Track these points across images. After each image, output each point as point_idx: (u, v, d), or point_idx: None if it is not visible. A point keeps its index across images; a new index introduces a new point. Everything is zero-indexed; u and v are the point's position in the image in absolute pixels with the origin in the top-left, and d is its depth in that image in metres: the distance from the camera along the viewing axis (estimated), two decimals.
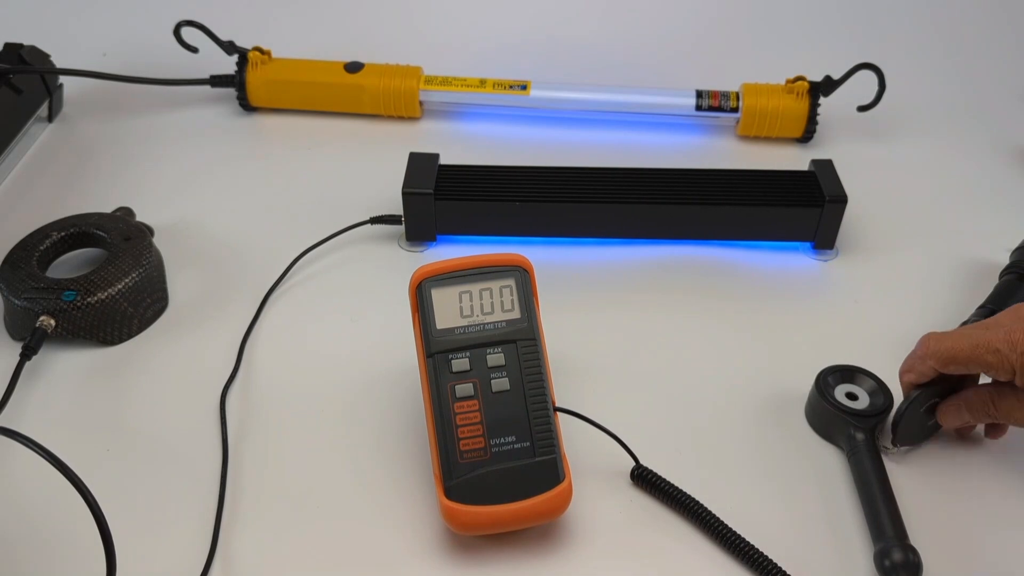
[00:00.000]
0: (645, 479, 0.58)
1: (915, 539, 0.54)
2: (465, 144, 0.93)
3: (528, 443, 0.54)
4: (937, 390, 0.59)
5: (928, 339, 0.58)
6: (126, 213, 0.78)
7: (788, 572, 0.53)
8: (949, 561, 0.55)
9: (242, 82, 0.94)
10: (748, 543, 0.54)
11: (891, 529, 0.54)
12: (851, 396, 0.61)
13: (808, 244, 0.79)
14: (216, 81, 0.95)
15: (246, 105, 0.96)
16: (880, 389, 0.61)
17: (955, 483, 0.60)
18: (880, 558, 0.53)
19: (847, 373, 0.63)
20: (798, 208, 0.77)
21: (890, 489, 0.56)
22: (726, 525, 0.55)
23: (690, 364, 0.68)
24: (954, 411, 0.58)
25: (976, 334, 0.55)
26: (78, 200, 0.83)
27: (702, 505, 0.56)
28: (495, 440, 0.53)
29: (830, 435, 0.62)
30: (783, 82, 0.93)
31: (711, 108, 0.93)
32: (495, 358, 0.55)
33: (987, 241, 0.80)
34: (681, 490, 0.57)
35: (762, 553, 0.54)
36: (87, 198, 0.83)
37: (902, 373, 0.60)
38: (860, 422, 0.60)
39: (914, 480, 0.60)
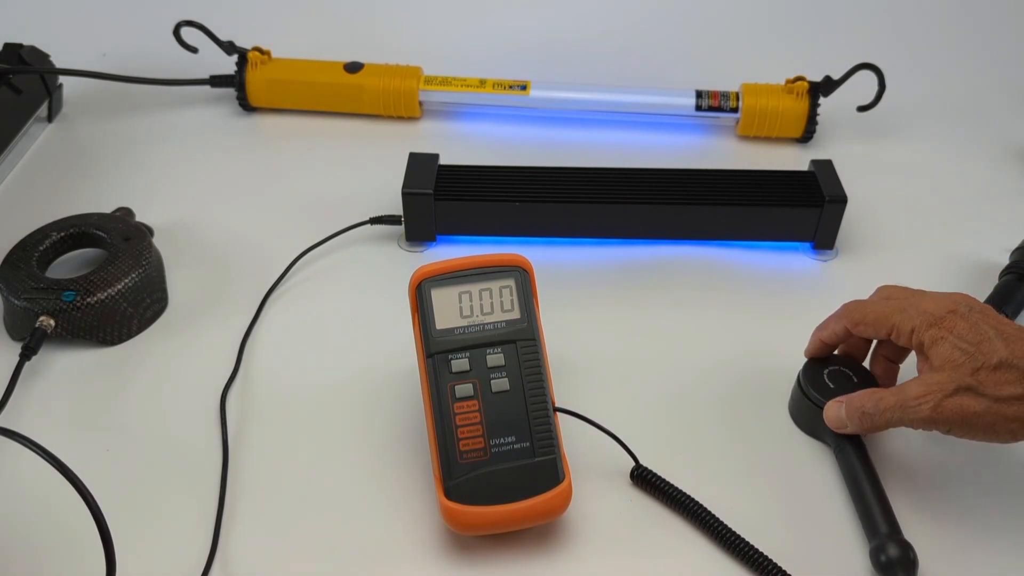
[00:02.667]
0: (645, 479, 0.58)
1: (908, 533, 0.54)
2: (465, 144, 0.93)
3: (528, 443, 0.54)
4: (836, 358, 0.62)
5: (849, 302, 0.61)
6: (126, 213, 0.78)
7: (787, 571, 0.53)
8: (943, 553, 0.55)
9: (242, 82, 0.94)
10: (748, 543, 0.54)
11: (884, 525, 0.54)
12: (835, 380, 0.61)
13: (808, 244, 0.79)
14: (216, 81, 0.95)
15: (246, 105, 0.96)
16: (866, 379, 0.61)
17: (944, 475, 0.60)
18: (876, 554, 0.53)
19: (832, 360, 0.62)
20: (798, 208, 0.77)
21: (880, 484, 0.56)
22: (725, 525, 0.55)
23: (690, 364, 0.68)
24: (834, 408, 0.58)
25: (888, 301, 0.58)
26: (78, 200, 0.83)
27: (701, 505, 0.56)
28: (495, 440, 0.53)
29: (815, 432, 0.62)
30: (783, 82, 0.93)
31: (711, 108, 0.93)
32: (495, 358, 0.55)
33: (987, 241, 0.80)
34: (681, 490, 0.57)
35: (762, 553, 0.54)
36: (87, 198, 0.83)
37: (816, 329, 0.62)
38: None
39: (903, 473, 0.60)
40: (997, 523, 0.57)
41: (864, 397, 0.56)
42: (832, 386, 0.61)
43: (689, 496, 0.57)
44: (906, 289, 0.60)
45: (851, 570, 0.54)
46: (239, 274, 0.75)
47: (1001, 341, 0.53)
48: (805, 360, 0.63)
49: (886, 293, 0.61)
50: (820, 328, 0.62)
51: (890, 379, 0.62)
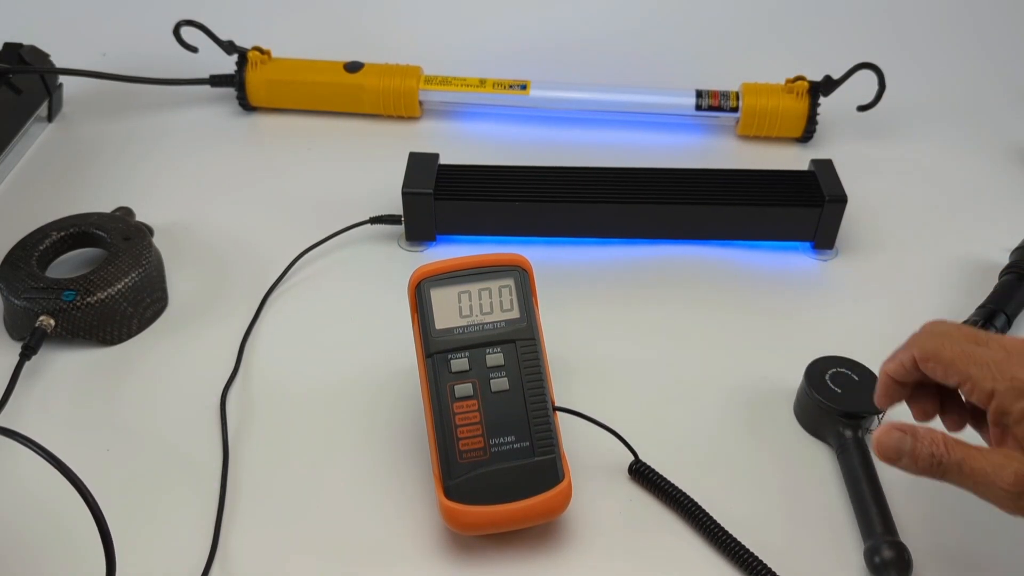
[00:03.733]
0: (642, 474, 0.58)
1: (905, 535, 0.54)
2: (465, 144, 0.93)
3: (527, 443, 0.54)
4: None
5: (924, 326, 0.51)
6: (126, 213, 0.78)
7: (776, 572, 0.53)
8: (938, 557, 0.55)
9: (242, 82, 0.94)
10: (737, 542, 0.54)
11: (880, 526, 0.54)
12: (840, 383, 0.61)
13: (808, 244, 0.79)
14: (216, 81, 0.95)
15: (246, 105, 0.96)
16: (871, 382, 0.61)
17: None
18: (870, 555, 0.53)
19: (838, 362, 0.62)
20: (798, 208, 0.77)
21: (879, 486, 0.56)
22: (717, 523, 0.55)
23: (690, 364, 0.68)
24: (897, 437, 0.48)
25: (972, 346, 0.49)
26: (78, 200, 0.83)
27: (695, 502, 0.56)
28: (494, 440, 0.53)
29: (819, 432, 0.62)
30: (783, 82, 0.93)
31: (711, 108, 0.93)
32: (494, 358, 0.55)
33: (987, 241, 0.80)
34: (675, 486, 0.57)
35: (750, 552, 0.54)
36: (87, 198, 0.83)
37: (885, 361, 0.52)
38: (848, 419, 0.60)
39: (903, 476, 0.59)
40: (994, 532, 0.57)
41: (940, 439, 0.47)
42: (836, 389, 0.61)
43: (683, 492, 0.57)
44: (965, 330, 0.50)
45: (846, 571, 0.54)
46: (239, 274, 0.75)
47: None
48: (808, 362, 0.63)
49: (942, 329, 0.50)
50: (889, 359, 0.52)
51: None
